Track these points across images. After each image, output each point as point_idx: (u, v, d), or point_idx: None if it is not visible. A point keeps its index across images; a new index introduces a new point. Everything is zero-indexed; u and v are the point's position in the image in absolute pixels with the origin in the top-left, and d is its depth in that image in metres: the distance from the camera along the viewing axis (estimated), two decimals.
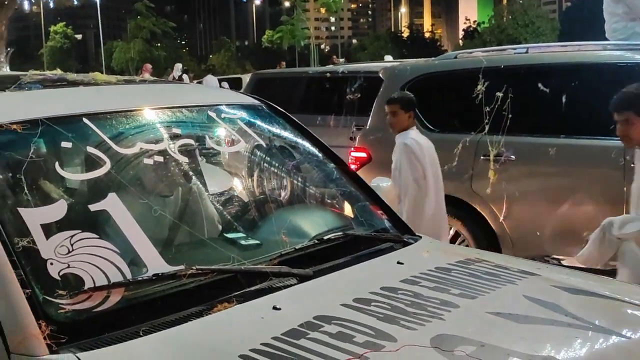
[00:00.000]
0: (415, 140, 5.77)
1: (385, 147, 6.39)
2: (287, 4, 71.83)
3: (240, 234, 2.96)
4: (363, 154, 7.01)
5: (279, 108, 3.64)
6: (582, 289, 2.79)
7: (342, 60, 16.99)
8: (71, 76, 3.56)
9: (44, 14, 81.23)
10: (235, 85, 18.17)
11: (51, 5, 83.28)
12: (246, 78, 17.71)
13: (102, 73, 3.77)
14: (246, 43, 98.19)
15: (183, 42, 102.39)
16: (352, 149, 7.24)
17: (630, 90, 4.58)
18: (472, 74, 6.35)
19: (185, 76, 21.95)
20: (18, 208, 2.37)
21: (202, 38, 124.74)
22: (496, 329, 2.35)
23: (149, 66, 22.08)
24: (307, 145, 3.54)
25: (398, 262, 2.88)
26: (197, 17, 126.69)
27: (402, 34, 66.77)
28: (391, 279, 2.67)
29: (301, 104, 10.64)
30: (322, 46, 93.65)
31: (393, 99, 6.04)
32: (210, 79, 21.30)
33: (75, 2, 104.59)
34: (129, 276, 2.35)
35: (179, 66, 22.96)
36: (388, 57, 21.20)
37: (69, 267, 2.28)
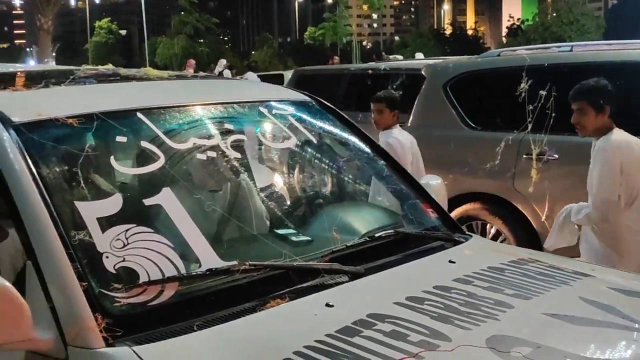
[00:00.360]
0: (398, 139, 5.95)
1: (427, 144, 6.38)
2: (329, 0, 71.78)
3: (291, 230, 2.96)
4: None
5: (329, 104, 3.63)
6: (638, 291, 2.75)
7: (393, 56, 16.78)
8: (124, 71, 3.59)
9: (89, 10, 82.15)
10: (277, 82, 18.17)
11: (96, 0, 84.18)
12: (288, 75, 17.68)
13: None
14: (288, 40, 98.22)
15: (226, 38, 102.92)
16: None
17: (587, 82, 4.76)
18: (516, 72, 6.29)
19: (227, 72, 21.98)
20: (74, 201, 2.40)
21: (245, 34, 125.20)
22: (552, 331, 2.32)
23: (192, 62, 22.19)
24: (357, 142, 3.53)
25: (450, 261, 2.85)
26: (240, 13, 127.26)
27: (445, 31, 66.33)
28: (443, 278, 2.65)
29: (343, 100, 10.60)
30: (364, 43, 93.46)
31: (379, 98, 6.20)
32: (251, 76, 21.31)
33: None
34: (183, 271, 2.37)
35: (222, 62, 22.96)
36: (419, 55, 20.95)
37: (124, 260, 2.30)
